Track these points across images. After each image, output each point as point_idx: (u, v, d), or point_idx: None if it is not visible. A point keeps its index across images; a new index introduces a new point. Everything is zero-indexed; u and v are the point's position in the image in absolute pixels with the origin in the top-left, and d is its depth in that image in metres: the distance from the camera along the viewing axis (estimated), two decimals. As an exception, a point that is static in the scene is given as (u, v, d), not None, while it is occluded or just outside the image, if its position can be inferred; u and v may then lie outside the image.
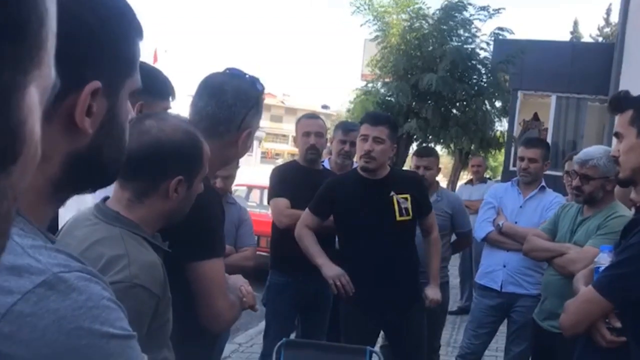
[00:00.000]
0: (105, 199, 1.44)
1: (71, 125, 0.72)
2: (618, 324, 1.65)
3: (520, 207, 3.61)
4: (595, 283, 1.69)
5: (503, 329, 3.72)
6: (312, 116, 3.70)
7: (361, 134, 3.05)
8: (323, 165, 3.69)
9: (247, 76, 1.80)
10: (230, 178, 3.25)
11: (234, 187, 9.81)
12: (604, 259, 1.75)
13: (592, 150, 2.79)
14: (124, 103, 0.81)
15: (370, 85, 10.37)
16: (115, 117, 0.79)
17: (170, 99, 2.16)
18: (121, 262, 1.26)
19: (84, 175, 0.78)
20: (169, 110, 2.17)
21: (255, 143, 38.98)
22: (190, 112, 1.80)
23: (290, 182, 3.35)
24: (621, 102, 1.85)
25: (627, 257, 1.62)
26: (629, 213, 2.69)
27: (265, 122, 53.65)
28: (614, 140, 1.87)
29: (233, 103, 1.75)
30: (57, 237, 1.44)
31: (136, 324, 1.24)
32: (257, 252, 3.40)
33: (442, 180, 15.11)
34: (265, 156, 41.71)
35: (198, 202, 1.56)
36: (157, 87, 2.05)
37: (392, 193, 3.03)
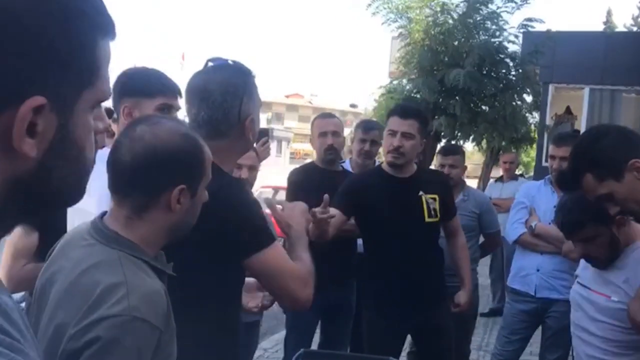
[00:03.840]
0: (104, 214, 1.32)
1: (9, 147, 0.59)
2: None
3: (554, 206, 3.40)
4: None
5: (538, 332, 3.53)
6: (328, 115, 3.58)
7: (389, 128, 2.89)
8: (342, 167, 3.56)
9: (230, 63, 1.73)
10: (254, 170, 3.13)
11: (260, 189, 9.81)
12: None
13: None
14: (83, 118, 0.67)
15: (395, 82, 10.19)
16: (69, 135, 0.65)
17: (177, 98, 2.05)
18: (119, 291, 1.13)
19: (30, 203, 0.66)
20: (180, 111, 2.07)
21: (284, 144, 39.07)
22: (189, 121, 1.73)
23: (308, 184, 3.22)
24: (571, 178, 1.78)
25: None
26: None
27: (293, 123, 53.82)
28: None
29: (223, 100, 1.67)
30: (52, 256, 1.34)
31: (137, 359, 1.13)
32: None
33: (473, 178, 14.85)
34: (295, 157, 41.72)
35: (233, 197, 1.56)
36: (139, 86, 1.95)
37: (421, 193, 2.89)
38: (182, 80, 1.97)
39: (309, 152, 36.98)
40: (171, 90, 2.03)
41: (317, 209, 2.42)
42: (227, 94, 1.67)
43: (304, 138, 43.46)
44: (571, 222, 2.08)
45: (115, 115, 2.14)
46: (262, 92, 1.85)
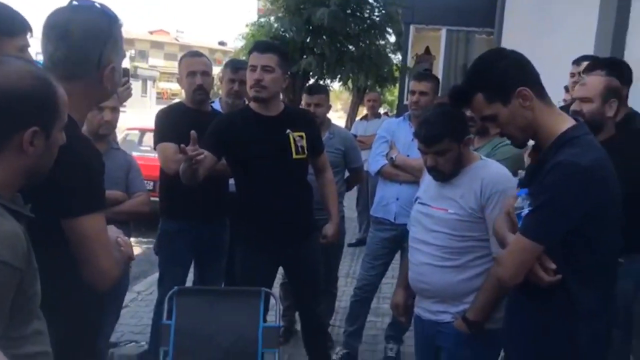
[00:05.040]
0: None
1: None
2: (552, 265, 1.70)
3: (412, 140, 3.65)
4: (523, 230, 1.72)
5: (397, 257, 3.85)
6: (196, 53, 3.50)
7: (250, 64, 2.93)
8: (212, 107, 3.54)
9: (95, 5, 1.64)
10: (116, 111, 3.03)
11: (125, 132, 9.39)
12: (522, 203, 1.77)
13: None
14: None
15: (263, 20, 10.07)
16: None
17: (28, 35, 1.93)
18: None
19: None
20: (30, 49, 1.96)
21: (150, 83, 37.28)
22: (43, 60, 1.64)
23: (177, 125, 3.17)
24: (463, 95, 1.86)
25: (547, 199, 1.66)
26: None
27: (158, 61, 51.32)
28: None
29: (84, 42, 1.59)
30: None
31: None
32: (152, 198, 3.24)
33: (342, 117, 15.29)
34: (162, 97, 39.99)
35: (69, 153, 1.44)
36: (1, 24, 1.82)
37: (288, 130, 2.97)
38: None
39: (177, 92, 35.66)
40: (29, 28, 1.91)
41: (187, 147, 2.43)
42: (89, 36, 1.60)
43: (170, 77, 41.66)
44: (432, 134, 2.27)
45: None
46: (124, 28, 1.77)
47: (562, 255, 1.69)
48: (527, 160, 3.16)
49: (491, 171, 2.31)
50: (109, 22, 1.65)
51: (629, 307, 2.74)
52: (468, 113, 2.70)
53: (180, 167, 2.69)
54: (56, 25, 1.61)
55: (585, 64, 3.18)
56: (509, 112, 1.77)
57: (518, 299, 1.86)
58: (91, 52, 1.61)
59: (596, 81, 2.66)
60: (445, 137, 2.26)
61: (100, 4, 1.65)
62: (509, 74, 1.77)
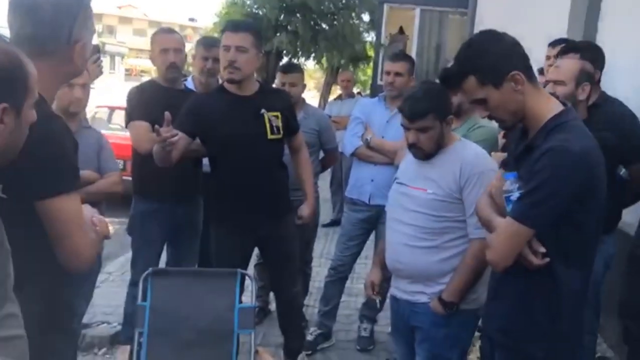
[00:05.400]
0: None
1: None
2: (542, 249, 1.72)
3: (387, 121, 3.66)
4: (514, 214, 1.73)
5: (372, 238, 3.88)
6: (169, 30, 3.42)
7: (223, 44, 2.88)
8: (185, 85, 3.48)
9: None
10: (87, 88, 2.95)
11: (95, 109, 9.20)
12: (512, 187, 1.78)
13: None
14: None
15: (236, -4, 9.93)
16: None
17: None
18: None
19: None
20: None
21: (118, 59, 36.47)
22: (10, 36, 1.58)
23: (149, 103, 3.11)
24: (455, 77, 1.85)
25: (539, 183, 1.68)
26: (490, 124, 2.83)
27: (127, 37, 50.20)
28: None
29: (53, 17, 1.54)
30: None
31: None
32: (124, 177, 3.18)
33: (315, 96, 15.22)
34: (130, 73, 39.20)
35: (40, 131, 1.39)
36: None
37: (263, 111, 2.94)
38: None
39: (147, 69, 35.00)
40: None
41: (162, 128, 2.38)
42: (59, 11, 1.55)
43: (139, 53, 40.86)
44: (417, 110, 2.26)
45: None
46: (92, 2, 1.72)
47: (549, 238, 1.72)
48: (500, 142, 3.21)
49: (470, 152, 2.32)
50: None
51: (598, 287, 2.81)
52: None
53: (154, 148, 2.64)
54: (24, 1, 1.55)
55: (560, 47, 3.21)
56: (500, 96, 1.77)
57: (501, 279, 1.88)
58: (61, 28, 1.56)
59: (570, 64, 2.69)
60: (429, 113, 2.25)
61: None
62: (502, 58, 1.77)
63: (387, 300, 2.97)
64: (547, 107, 1.79)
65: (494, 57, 1.77)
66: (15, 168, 1.37)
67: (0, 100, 1.22)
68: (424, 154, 2.33)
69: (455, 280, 2.26)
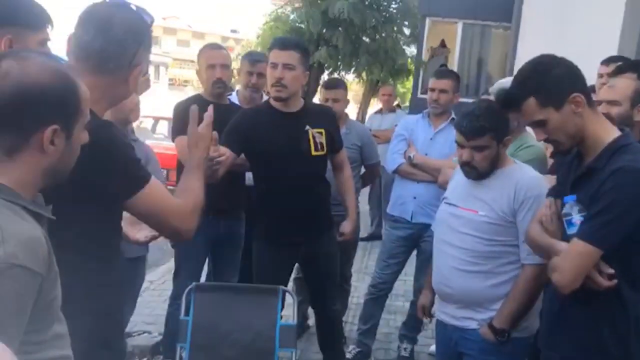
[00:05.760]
0: None
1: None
2: (610, 270, 1.69)
3: (431, 139, 3.63)
4: (582, 235, 1.71)
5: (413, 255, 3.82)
6: (216, 46, 3.46)
7: (271, 61, 2.89)
8: (230, 100, 3.51)
9: (133, 7, 1.65)
10: (137, 109, 3.02)
11: (139, 119, 9.37)
12: (571, 210, 1.76)
13: (506, 82, 2.82)
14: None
15: (280, 11, 10.00)
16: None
17: (49, 28, 1.90)
18: None
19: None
20: (49, 43, 1.93)
21: (162, 69, 37.25)
22: (73, 48, 1.62)
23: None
24: (515, 98, 1.84)
25: (609, 204, 1.66)
26: (538, 143, 2.78)
27: (171, 47, 51.24)
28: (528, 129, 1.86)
29: (123, 37, 1.60)
30: None
31: (17, 307, 1.09)
32: (168, 187, 3.21)
33: (354, 108, 15.21)
34: (173, 83, 39.98)
35: (104, 139, 1.50)
36: (26, 17, 1.79)
37: (308, 127, 2.94)
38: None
39: (189, 79, 35.63)
40: (50, 21, 1.88)
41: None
42: (129, 34, 1.61)
43: (182, 63, 41.60)
44: (475, 127, 2.21)
45: None
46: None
47: (616, 261, 1.69)
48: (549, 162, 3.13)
49: (526, 175, 2.26)
50: (147, 26, 1.68)
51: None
52: None
53: None
54: (98, 17, 1.61)
55: (614, 65, 3.11)
56: (560, 118, 1.76)
57: (565, 306, 1.84)
58: (128, 48, 1.62)
59: (625, 84, 2.60)
60: (487, 133, 2.20)
61: (136, 6, 1.67)
62: (564, 80, 1.77)
63: (424, 319, 2.93)
64: (606, 130, 1.78)
65: (556, 79, 1.76)
66: (85, 182, 1.45)
67: (51, 121, 1.22)
68: (477, 174, 2.28)
69: (507, 306, 2.19)
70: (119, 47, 1.60)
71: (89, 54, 1.59)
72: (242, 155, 2.99)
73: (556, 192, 1.93)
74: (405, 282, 4.72)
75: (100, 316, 1.56)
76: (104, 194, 1.53)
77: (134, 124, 4.15)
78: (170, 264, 4.96)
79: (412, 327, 3.76)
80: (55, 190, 1.33)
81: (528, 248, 2.06)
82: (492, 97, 2.83)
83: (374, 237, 6.66)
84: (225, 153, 2.50)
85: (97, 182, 1.51)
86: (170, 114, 3.42)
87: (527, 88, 1.79)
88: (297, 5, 9.49)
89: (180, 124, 3.23)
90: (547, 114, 1.76)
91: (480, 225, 2.22)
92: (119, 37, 1.60)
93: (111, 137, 1.58)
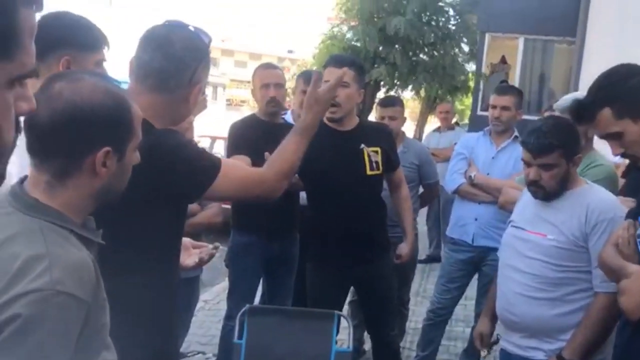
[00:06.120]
0: (24, 179, 1.19)
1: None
2: None
3: (493, 158, 3.49)
4: None
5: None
6: (270, 66, 3.46)
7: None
8: (284, 119, 3.49)
9: (191, 28, 1.68)
10: (191, 129, 3.03)
11: (197, 138, 9.54)
12: None
13: (570, 98, 2.67)
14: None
15: (335, 29, 10.02)
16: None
17: (105, 49, 1.91)
18: (41, 264, 1.03)
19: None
20: (105, 64, 1.95)
21: (220, 90, 38.22)
22: (134, 69, 1.64)
23: (250, 138, 3.13)
24: (589, 108, 1.72)
25: None
26: (608, 162, 2.61)
27: (228, 68, 52.48)
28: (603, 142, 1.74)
29: (182, 55, 1.61)
30: None
31: (62, 336, 1.05)
32: (223, 206, 3.21)
33: (411, 126, 15.04)
34: (231, 104, 40.91)
35: (171, 141, 1.59)
36: (84, 38, 1.81)
37: (363, 146, 2.88)
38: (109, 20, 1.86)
39: (246, 99, 36.30)
40: (107, 42, 1.91)
41: None
42: (188, 51, 1.63)
43: (239, 84, 42.50)
44: (543, 145, 2.09)
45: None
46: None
47: None
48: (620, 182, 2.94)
49: (598, 197, 2.11)
50: (205, 45, 1.70)
51: None
52: None
53: None
54: (156, 37, 1.64)
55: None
56: (638, 130, 1.63)
57: (634, 333, 1.67)
58: (187, 67, 1.63)
59: None
60: (556, 150, 2.07)
61: (194, 27, 1.69)
62: None
63: (482, 352, 2.76)
64: None
65: (634, 89, 1.63)
66: (158, 192, 1.53)
67: (104, 143, 1.18)
68: (545, 194, 2.14)
69: (578, 336, 2.03)
70: (178, 65, 1.62)
71: (148, 73, 1.61)
72: (296, 175, 2.94)
73: (634, 214, 1.77)
74: (465, 306, 4.53)
75: (154, 335, 1.53)
76: (173, 195, 1.58)
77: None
78: (225, 284, 4.95)
79: (472, 354, 3.59)
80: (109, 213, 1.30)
81: (602, 274, 1.90)
82: (556, 114, 2.69)
83: (433, 259, 6.48)
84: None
85: (171, 187, 1.57)
86: (226, 133, 3.43)
87: (602, 98, 1.68)
88: (353, 23, 9.47)
89: (235, 143, 3.24)
90: (623, 125, 1.64)
91: (548, 250, 2.09)
92: (178, 55, 1.61)
93: (173, 140, 1.64)
